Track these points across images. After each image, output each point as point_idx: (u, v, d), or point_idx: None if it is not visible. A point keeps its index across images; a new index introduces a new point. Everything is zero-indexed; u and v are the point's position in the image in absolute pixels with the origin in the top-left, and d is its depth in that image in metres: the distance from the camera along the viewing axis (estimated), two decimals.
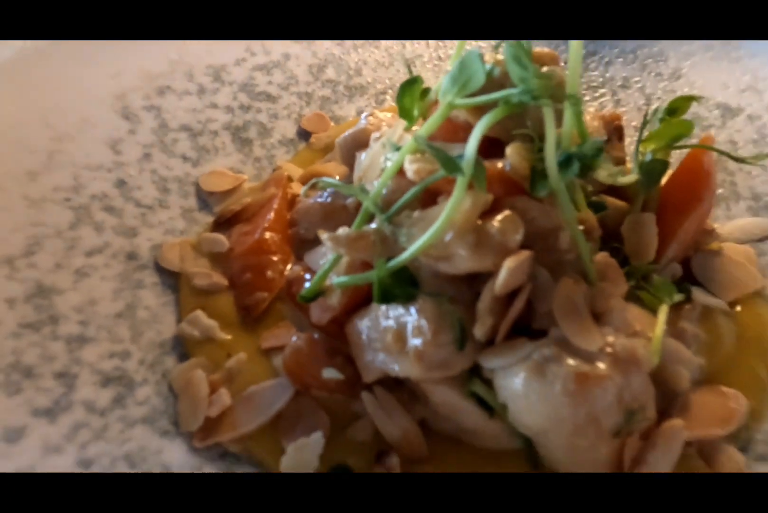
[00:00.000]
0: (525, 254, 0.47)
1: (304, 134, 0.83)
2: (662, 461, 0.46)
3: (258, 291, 0.59)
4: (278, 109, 0.84)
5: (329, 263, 0.52)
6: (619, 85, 0.87)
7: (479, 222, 0.47)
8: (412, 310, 0.47)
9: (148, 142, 0.74)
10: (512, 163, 0.49)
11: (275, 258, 0.62)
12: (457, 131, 0.53)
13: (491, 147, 0.52)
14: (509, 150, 0.49)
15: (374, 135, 0.60)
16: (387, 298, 0.46)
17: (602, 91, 0.87)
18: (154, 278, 0.64)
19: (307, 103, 0.86)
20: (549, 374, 0.44)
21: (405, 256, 0.46)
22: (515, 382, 0.45)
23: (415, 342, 0.46)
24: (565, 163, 0.48)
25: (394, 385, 0.52)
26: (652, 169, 0.61)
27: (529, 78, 0.45)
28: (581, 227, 0.53)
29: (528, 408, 0.44)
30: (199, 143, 0.77)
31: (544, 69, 0.49)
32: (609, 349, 0.45)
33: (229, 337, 0.57)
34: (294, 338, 0.53)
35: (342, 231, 0.50)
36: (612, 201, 0.62)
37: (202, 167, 0.76)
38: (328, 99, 0.87)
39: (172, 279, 0.64)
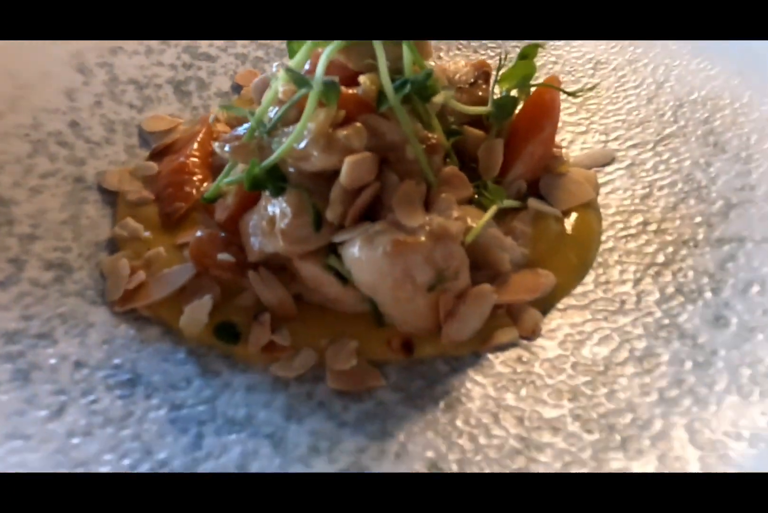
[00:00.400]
0: (366, 154, 0.60)
1: (237, 88, 0.97)
2: (472, 315, 0.60)
3: (177, 201, 0.73)
4: (216, 67, 0.98)
5: (226, 169, 0.66)
6: (512, 46, 1.00)
7: (331, 131, 0.60)
8: (281, 200, 0.61)
9: (100, 91, 0.88)
10: (363, 87, 0.63)
11: (195, 178, 0.76)
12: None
13: (356, 78, 0.66)
14: (361, 77, 0.63)
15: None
16: (257, 186, 0.60)
17: (498, 51, 1.00)
18: (97, 197, 0.77)
19: (243, 63, 0.99)
20: (376, 242, 0.57)
21: (273, 156, 0.60)
22: (353, 250, 0.58)
23: (281, 223, 0.60)
24: (400, 86, 0.62)
25: (277, 267, 0.66)
26: (503, 104, 0.75)
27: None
28: (433, 141, 0.66)
29: (361, 269, 0.58)
30: (144, 94, 0.91)
31: None
32: (427, 227, 0.59)
33: (151, 236, 0.71)
34: (199, 232, 0.67)
35: (232, 139, 0.63)
36: (473, 131, 0.75)
37: (145, 113, 0.89)
38: (261, 59, 1.00)
39: (111, 197, 0.78)
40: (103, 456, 0.50)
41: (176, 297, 0.64)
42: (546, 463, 0.50)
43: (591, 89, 0.80)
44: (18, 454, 0.49)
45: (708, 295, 0.60)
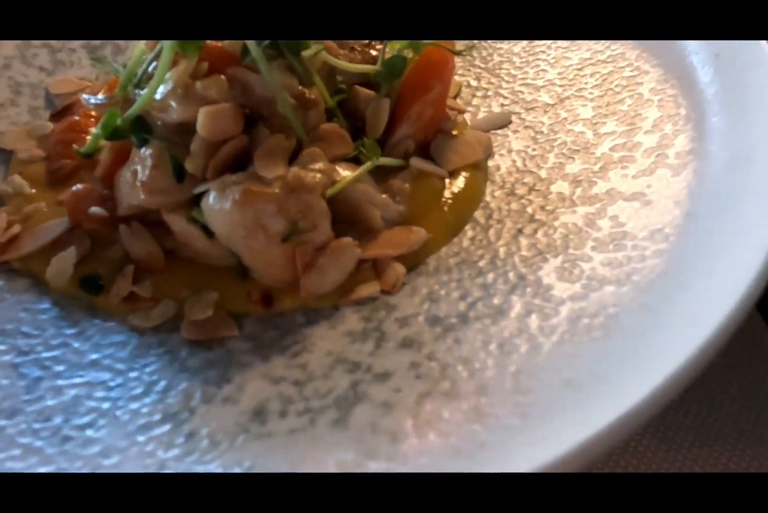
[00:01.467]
0: (225, 106, 0.60)
1: None
2: (331, 268, 0.60)
3: (64, 159, 0.73)
4: None
5: (99, 125, 0.66)
6: None
7: (191, 82, 0.60)
8: (146, 153, 0.61)
9: (10, 54, 0.88)
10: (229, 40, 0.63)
11: (86, 136, 0.76)
12: None
13: None
14: None
15: None
16: (114, 136, 0.60)
17: None
18: None
19: None
20: (228, 192, 0.57)
21: (133, 107, 0.60)
22: (208, 201, 0.58)
23: (141, 175, 0.60)
24: None
25: (152, 223, 0.66)
26: (393, 64, 0.74)
27: None
28: (308, 96, 0.66)
29: (215, 219, 0.58)
30: (57, 58, 0.91)
31: None
32: (283, 179, 0.59)
33: (34, 193, 0.71)
34: (76, 186, 0.67)
35: (99, 95, 0.64)
36: (363, 90, 0.75)
37: (56, 77, 0.90)
38: None
39: (7, 157, 0.78)
40: None
41: (49, 250, 0.65)
42: (365, 409, 0.50)
43: (472, 49, 0.79)
44: None
45: (569, 250, 0.60)
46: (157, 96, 0.59)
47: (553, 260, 0.60)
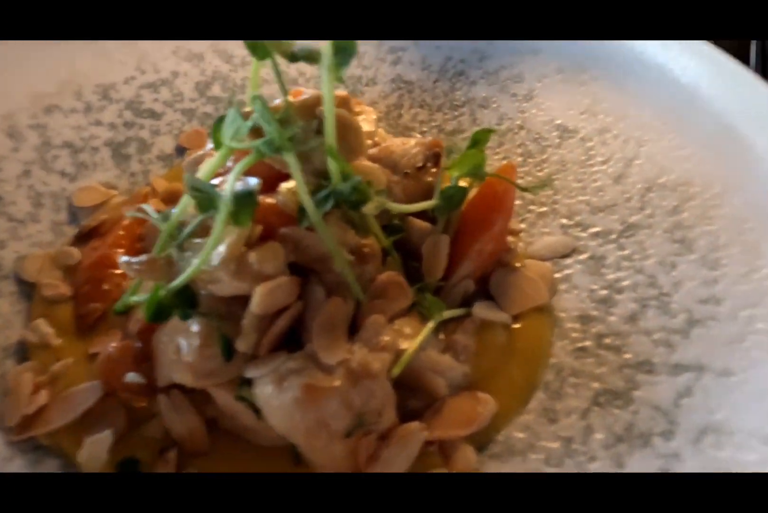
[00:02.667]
0: (281, 280, 0.54)
1: (181, 150, 0.90)
2: (397, 458, 0.55)
3: (93, 302, 0.67)
4: (161, 125, 0.91)
5: (134, 283, 0.60)
6: (478, 105, 0.94)
7: (245, 250, 0.54)
8: (192, 325, 0.56)
9: (29, 159, 0.82)
10: (283, 198, 0.57)
11: (116, 272, 0.70)
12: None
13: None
14: (281, 187, 0.57)
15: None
16: (158, 317, 0.54)
17: (462, 110, 0.94)
18: (13, 288, 0.72)
19: (189, 120, 0.93)
20: (286, 384, 0.52)
21: (180, 280, 0.54)
22: (263, 390, 0.53)
23: (187, 354, 0.54)
24: (323, 200, 0.55)
25: (193, 389, 0.60)
26: (451, 195, 0.68)
27: (273, 132, 0.52)
28: (365, 250, 0.61)
29: (271, 413, 0.52)
30: (79, 159, 0.85)
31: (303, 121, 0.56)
32: (346, 364, 0.53)
33: (62, 343, 0.65)
34: (110, 346, 0.62)
35: (138, 257, 0.57)
36: (418, 223, 0.69)
37: (78, 182, 0.83)
38: (210, 115, 0.94)
39: (29, 289, 0.72)
40: None
41: (80, 422, 0.59)
42: None
43: (545, 185, 0.73)
44: None
45: (658, 440, 0.54)
46: (207, 267, 0.54)
47: (638, 453, 0.55)
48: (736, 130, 0.73)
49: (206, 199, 0.53)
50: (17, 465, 0.56)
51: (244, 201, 0.53)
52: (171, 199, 0.80)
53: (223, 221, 0.52)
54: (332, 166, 0.56)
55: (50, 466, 0.57)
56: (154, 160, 0.89)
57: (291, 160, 0.53)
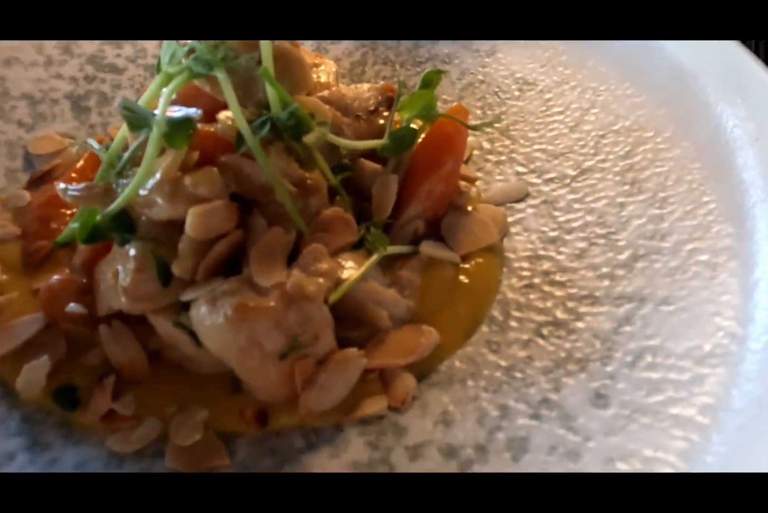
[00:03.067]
0: (217, 204, 0.54)
1: None
2: (334, 383, 0.54)
3: (40, 239, 0.67)
4: (123, 80, 0.91)
5: (78, 212, 0.60)
6: (441, 61, 0.94)
7: (180, 175, 0.54)
8: (129, 251, 0.55)
9: None
10: (221, 125, 0.56)
11: (67, 212, 0.69)
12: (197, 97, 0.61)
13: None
14: (220, 114, 0.57)
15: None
16: (93, 237, 0.54)
17: (425, 66, 0.93)
18: None
19: (152, 75, 0.92)
20: (218, 305, 0.51)
21: (115, 204, 0.54)
22: (197, 312, 0.52)
23: (123, 278, 0.54)
24: (260, 126, 0.55)
25: (136, 320, 0.60)
26: (402, 136, 0.68)
27: (203, 50, 0.52)
28: (309, 182, 0.60)
29: (205, 335, 0.52)
30: (37, 110, 0.84)
31: None
32: (282, 287, 0.53)
33: (6, 279, 0.65)
34: (54, 278, 0.61)
35: (76, 185, 0.57)
36: (369, 164, 0.69)
37: (35, 132, 0.83)
38: None
39: None
40: None
41: (21, 352, 0.59)
42: None
43: (492, 123, 0.73)
44: None
45: (595, 365, 0.54)
46: (143, 191, 0.53)
47: (578, 376, 0.55)
48: (689, 78, 0.74)
49: (138, 119, 0.52)
50: None
51: (180, 124, 0.53)
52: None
53: (156, 141, 0.52)
54: (271, 94, 0.56)
55: None
56: (114, 113, 0.88)
57: (222, 80, 0.53)
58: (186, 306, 0.56)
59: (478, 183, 0.77)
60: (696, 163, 0.67)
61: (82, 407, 0.55)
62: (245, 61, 0.54)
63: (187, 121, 0.54)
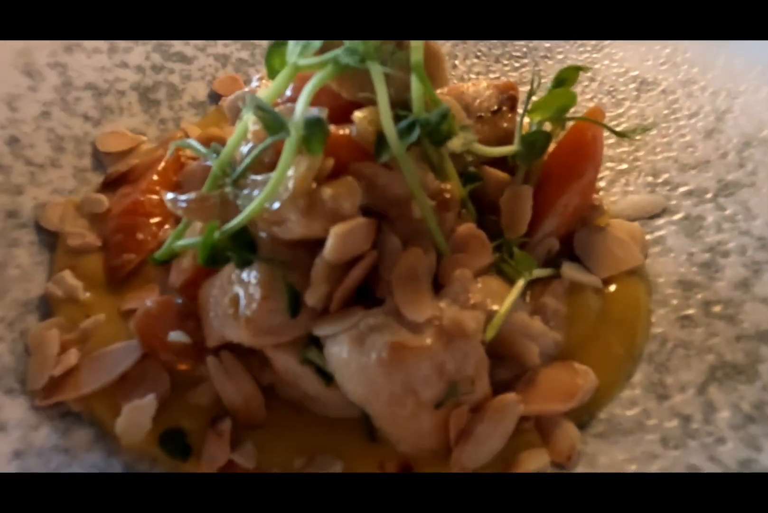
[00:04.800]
0: (359, 221, 0.46)
1: (215, 97, 0.82)
2: (491, 434, 0.46)
3: (126, 252, 0.59)
4: (192, 70, 0.82)
5: (181, 226, 0.52)
6: (542, 56, 0.85)
7: (315, 186, 0.46)
8: (251, 275, 0.47)
9: (49, 99, 0.73)
10: (358, 128, 0.48)
11: (151, 220, 0.61)
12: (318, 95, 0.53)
13: (350, 110, 0.51)
14: (356, 115, 0.48)
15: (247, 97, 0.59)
16: (214, 261, 0.46)
17: (524, 61, 0.85)
18: (32, 237, 0.63)
19: (223, 65, 0.84)
20: (368, 343, 0.43)
21: (238, 219, 0.46)
22: (339, 350, 0.44)
23: (246, 307, 0.46)
24: (406, 129, 0.47)
25: (247, 350, 0.52)
26: (533, 141, 0.60)
27: (353, 42, 0.44)
28: (446, 195, 0.52)
29: (349, 377, 0.44)
30: (103, 103, 0.76)
31: None
32: (437, 321, 0.45)
33: (89, 297, 0.57)
34: (148, 301, 0.53)
35: (187, 194, 0.49)
36: (494, 172, 0.61)
37: (103, 127, 0.74)
38: (246, 61, 0.85)
39: (51, 238, 0.64)
40: None
41: (116, 386, 0.51)
42: None
43: (646, 130, 0.65)
44: None
45: None
46: (275, 205, 0.45)
47: None
48: None
49: (275, 121, 0.44)
50: (44, 434, 0.48)
51: (315, 126, 0.45)
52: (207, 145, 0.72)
53: (294, 147, 0.44)
54: (416, 91, 0.48)
55: (82, 435, 0.49)
56: (186, 107, 0.80)
57: (376, 73, 0.44)
58: (314, 340, 0.48)
59: (600, 193, 0.69)
60: None
61: (194, 455, 0.47)
62: (400, 56, 0.46)
63: (320, 122, 0.45)
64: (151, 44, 0.81)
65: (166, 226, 0.62)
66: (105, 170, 0.71)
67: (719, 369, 0.51)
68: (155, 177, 0.64)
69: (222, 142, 0.65)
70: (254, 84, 0.68)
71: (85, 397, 0.50)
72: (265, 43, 0.87)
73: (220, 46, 0.85)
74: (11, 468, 0.46)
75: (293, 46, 0.48)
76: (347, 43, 0.45)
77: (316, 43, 0.47)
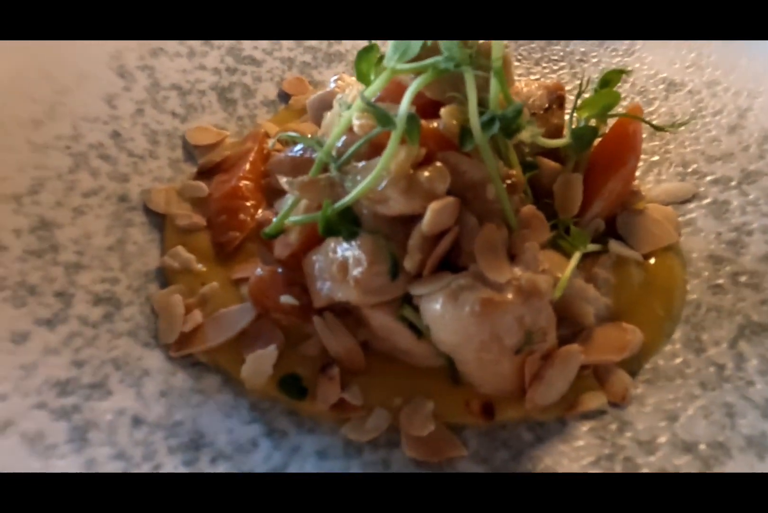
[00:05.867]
0: (449, 200, 0.55)
1: (284, 96, 0.91)
2: (558, 378, 0.56)
3: (231, 231, 0.68)
4: (262, 72, 0.92)
5: (290, 205, 0.61)
6: (578, 60, 0.94)
7: (412, 171, 0.55)
8: (354, 245, 0.56)
9: (141, 98, 0.82)
10: (445, 122, 0.57)
11: (248, 203, 0.70)
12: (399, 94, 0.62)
13: (434, 109, 0.60)
14: (443, 111, 0.57)
15: (338, 96, 0.68)
16: (330, 232, 0.55)
17: (561, 64, 0.94)
18: (142, 218, 0.72)
19: (289, 68, 0.93)
20: (461, 299, 0.53)
21: (348, 198, 0.55)
22: (434, 306, 0.54)
23: (355, 271, 0.55)
24: (487, 123, 0.56)
25: (343, 312, 0.61)
26: (582, 135, 0.69)
27: (452, 48, 0.53)
28: (509, 181, 0.61)
29: (443, 327, 0.53)
30: (187, 101, 0.85)
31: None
32: (515, 282, 0.54)
33: (204, 268, 0.66)
34: (258, 270, 0.62)
35: (299, 177, 0.58)
36: (547, 162, 0.70)
37: (189, 123, 0.84)
38: (309, 64, 0.94)
39: (158, 219, 0.73)
40: None
41: (235, 341, 0.60)
42: None
43: (682, 124, 0.74)
44: None
45: None
46: (379, 187, 0.54)
47: None
48: None
49: (384, 116, 0.53)
50: (181, 378, 0.58)
51: (413, 121, 0.54)
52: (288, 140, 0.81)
53: (398, 137, 0.53)
54: (494, 90, 0.57)
55: (212, 380, 0.58)
56: (259, 105, 0.89)
57: (469, 77, 0.54)
58: (407, 300, 0.57)
59: (636, 182, 0.78)
60: None
61: (310, 395, 0.57)
62: (481, 60, 0.55)
63: (415, 118, 0.55)
64: (224, 48, 0.90)
65: (260, 210, 0.71)
66: (196, 161, 0.80)
67: (747, 328, 0.60)
68: (248, 166, 0.74)
69: (302, 135, 0.74)
70: (331, 85, 0.77)
71: (212, 350, 0.59)
72: (323, 47, 0.96)
73: (285, 50, 0.94)
74: (159, 407, 0.55)
75: (392, 53, 0.57)
76: (444, 49, 0.54)
77: (414, 50, 0.56)
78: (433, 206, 0.54)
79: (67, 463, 0.49)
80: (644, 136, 0.82)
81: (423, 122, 0.57)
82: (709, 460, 0.51)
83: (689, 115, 0.83)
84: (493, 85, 0.57)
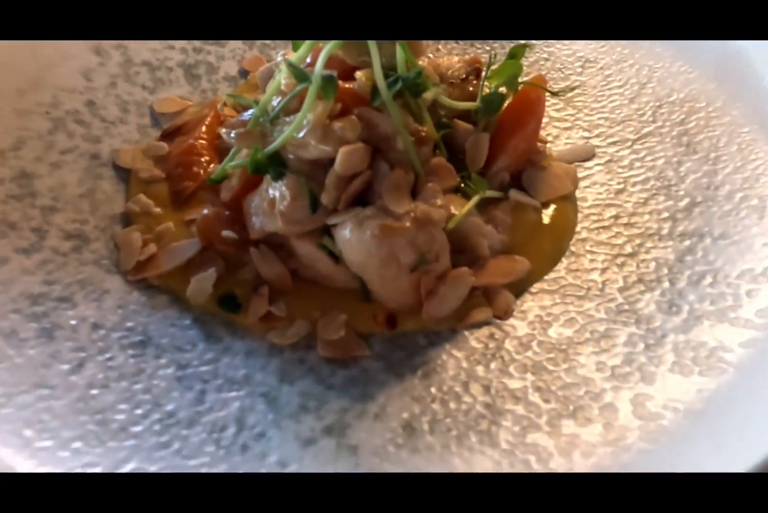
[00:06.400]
0: (359, 146, 0.66)
1: (244, 73, 1.02)
2: (450, 295, 0.67)
3: (186, 181, 0.79)
4: (225, 52, 1.02)
5: (231, 153, 0.72)
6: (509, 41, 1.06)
7: (328, 122, 0.66)
8: (280, 184, 0.67)
9: (115, 72, 0.93)
10: (359, 82, 0.68)
11: (202, 159, 0.81)
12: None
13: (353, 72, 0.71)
14: (358, 73, 0.69)
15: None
16: (258, 171, 0.66)
17: (494, 45, 1.05)
18: (111, 173, 0.83)
19: (250, 48, 1.04)
20: (365, 226, 0.63)
21: (275, 144, 0.66)
22: (344, 232, 0.64)
23: (281, 205, 0.66)
24: (392, 83, 0.67)
25: (277, 246, 0.72)
26: (491, 100, 0.80)
27: None
28: (422, 134, 0.72)
29: (351, 249, 0.64)
30: (156, 76, 0.96)
31: None
32: (412, 213, 0.65)
33: (161, 212, 0.77)
34: (205, 211, 0.73)
35: (238, 129, 0.69)
36: (462, 124, 0.81)
37: (157, 95, 0.95)
38: (268, 45, 1.05)
39: (124, 174, 0.83)
40: (118, 406, 0.57)
41: (184, 268, 0.71)
42: (507, 427, 0.57)
43: (573, 89, 0.85)
44: (45, 401, 0.56)
45: (665, 284, 0.67)
46: (300, 134, 0.65)
47: (652, 293, 0.67)
48: (737, 55, 0.85)
49: (302, 74, 0.64)
50: (135, 297, 0.69)
51: (328, 80, 0.65)
52: (240, 109, 0.92)
53: (315, 92, 0.64)
54: (400, 58, 0.68)
55: (162, 298, 0.69)
56: (221, 81, 1.00)
57: (372, 46, 0.65)
58: (327, 231, 0.68)
59: (548, 145, 0.89)
60: (744, 128, 0.79)
61: (243, 310, 0.68)
62: None
63: (332, 77, 0.66)
64: None
65: (212, 165, 0.82)
66: (161, 127, 0.91)
67: (618, 258, 0.71)
68: (203, 128, 0.85)
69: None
70: (279, 58, 0.88)
71: (163, 275, 0.70)
72: None
73: None
74: (116, 317, 0.66)
75: None
76: None
77: None
78: (343, 149, 0.65)
79: (36, 352, 0.60)
80: (559, 106, 0.93)
81: (341, 82, 0.68)
82: (562, 353, 0.62)
83: (599, 88, 0.94)
84: (399, 52, 0.68)
